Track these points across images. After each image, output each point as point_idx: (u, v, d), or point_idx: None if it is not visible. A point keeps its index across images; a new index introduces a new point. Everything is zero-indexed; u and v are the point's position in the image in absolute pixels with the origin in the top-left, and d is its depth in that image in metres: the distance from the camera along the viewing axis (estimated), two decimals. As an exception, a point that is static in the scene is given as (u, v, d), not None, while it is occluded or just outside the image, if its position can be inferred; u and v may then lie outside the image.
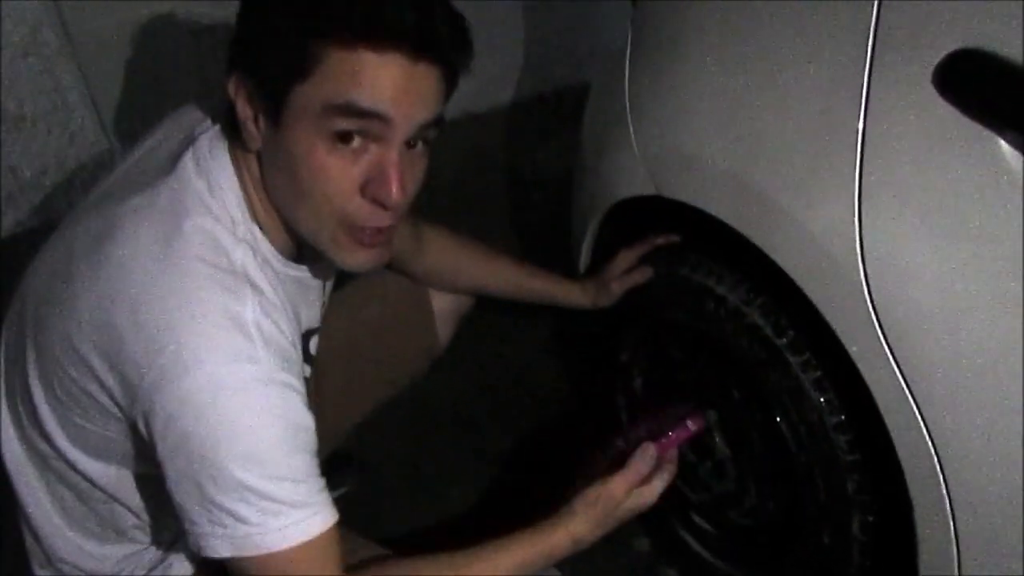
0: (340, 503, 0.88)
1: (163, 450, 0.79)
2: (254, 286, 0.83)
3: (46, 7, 1.76)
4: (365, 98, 0.78)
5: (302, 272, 0.95)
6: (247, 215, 0.87)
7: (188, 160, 0.86)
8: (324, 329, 1.13)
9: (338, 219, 0.85)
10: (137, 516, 0.99)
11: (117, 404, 0.82)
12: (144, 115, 1.90)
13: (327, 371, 1.29)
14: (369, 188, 0.83)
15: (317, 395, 1.27)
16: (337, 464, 1.56)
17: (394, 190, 0.82)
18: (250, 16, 0.81)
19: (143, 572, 1.03)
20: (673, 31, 1.11)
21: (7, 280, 1.05)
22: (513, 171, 2.43)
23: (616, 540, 1.52)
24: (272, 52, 0.79)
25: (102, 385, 0.82)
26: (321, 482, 0.85)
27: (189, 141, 0.89)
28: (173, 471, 0.80)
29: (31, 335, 0.88)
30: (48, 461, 0.94)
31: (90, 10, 1.82)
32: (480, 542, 0.94)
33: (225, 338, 0.78)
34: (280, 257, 0.90)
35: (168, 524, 1.02)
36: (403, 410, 1.55)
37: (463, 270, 1.34)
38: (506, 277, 1.34)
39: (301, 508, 0.82)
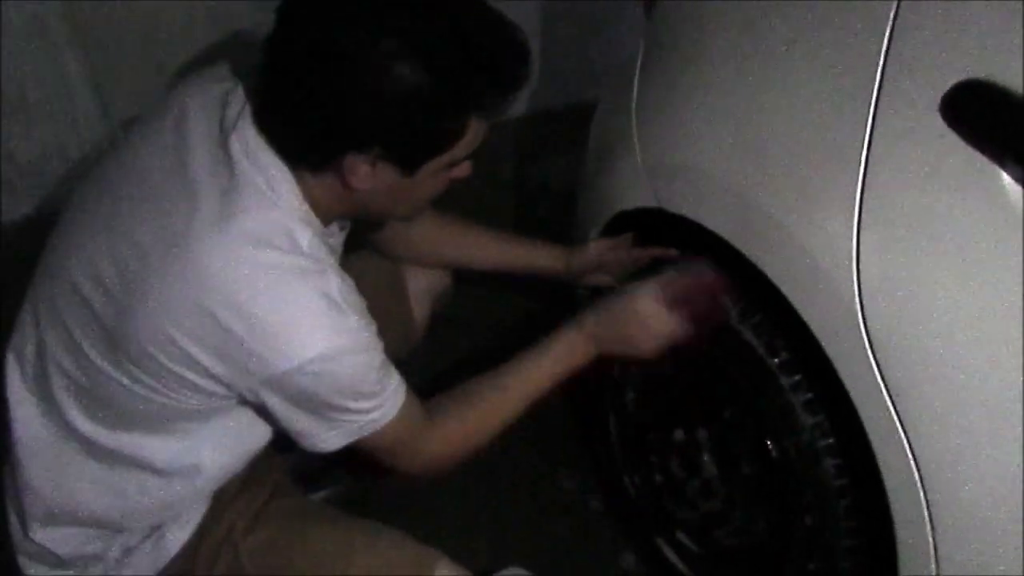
0: (332, 499, 0.92)
1: (281, 407, 0.94)
2: (326, 261, 0.93)
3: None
4: (472, 146, 0.95)
5: (335, 236, 1.06)
6: (300, 198, 0.93)
7: (239, 154, 0.91)
8: None
9: (427, 203, 1.04)
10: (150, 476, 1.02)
11: (221, 383, 0.92)
12: (149, 100, 1.89)
13: None
14: (453, 173, 0.98)
15: None
16: (325, 463, 1.55)
17: (470, 171, 1.00)
18: (399, 107, 0.85)
19: (136, 542, 1.05)
20: (684, 46, 1.11)
21: (6, 264, 1.05)
22: (521, 182, 2.43)
23: (602, 557, 1.52)
24: (426, 136, 0.90)
25: (204, 370, 0.91)
26: (394, 371, 1.00)
27: (228, 126, 0.92)
28: (292, 415, 0.95)
29: (115, 329, 0.92)
30: (80, 441, 0.98)
31: (96, -4, 1.81)
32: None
33: (326, 320, 0.90)
34: (323, 228, 0.98)
35: (172, 487, 1.04)
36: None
37: (444, 243, 1.35)
38: (484, 247, 1.37)
39: (388, 386, 0.98)
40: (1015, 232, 0.74)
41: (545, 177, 2.39)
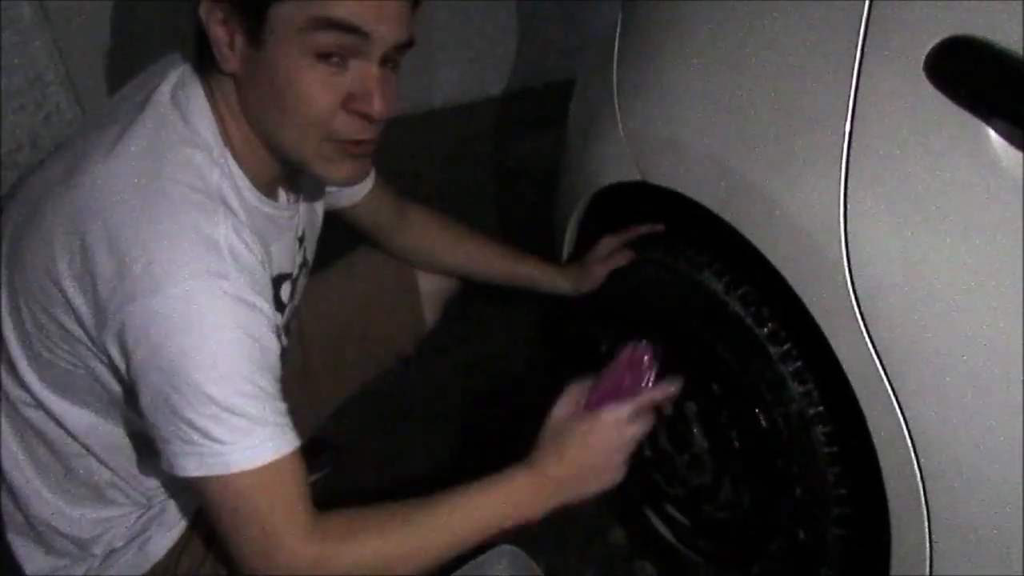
0: (317, 489, 0.88)
1: (135, 367, 0.80)
2: (228, 207, 0.84)
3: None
4: (343, 12, 0.80)
5: (273, 210, 0.95)
6: (220, 141, 0.87)
7: (163, 92, 0.87)
8: (312, 304, 1.13)
9: (323, 133, 0.86)
10: (114, 473, 0.98)
11: (85, 329, 0.82)
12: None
13: (313, 348, 1.30)
14: (352, 103, 0.85)
15: (304, 369, 1.27)
16: (314, 450, 1.55)
17: (377, 103, 0.85)
18: None
19: (120, 543, 1.02)
20: (662, 17, 1.10)
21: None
22: (500, 162, 2.42)
23: (591, 532, 1.52)
24: None
25: (73, 310, 0.82)
26: (284, 406, 0.85)
27: (162, 79, 0.89)
28: (145, 387, 0.81)
29: (4, 276, 0.88)
30: (24, 410, 0.93)
31: (67, -16, 1.79)
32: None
33: (197, 255, 0.79)
34: (252, 189, 0.91)
35: (146, 485, 1.01)
36: (381, 398, 1.54)
37: (444, 250, 1.33)
38: (487, 259, 1.34)
39: (268, 427, 0.82)
40: (1004, 190, 0.73)
41: (525, 156, 2.39)
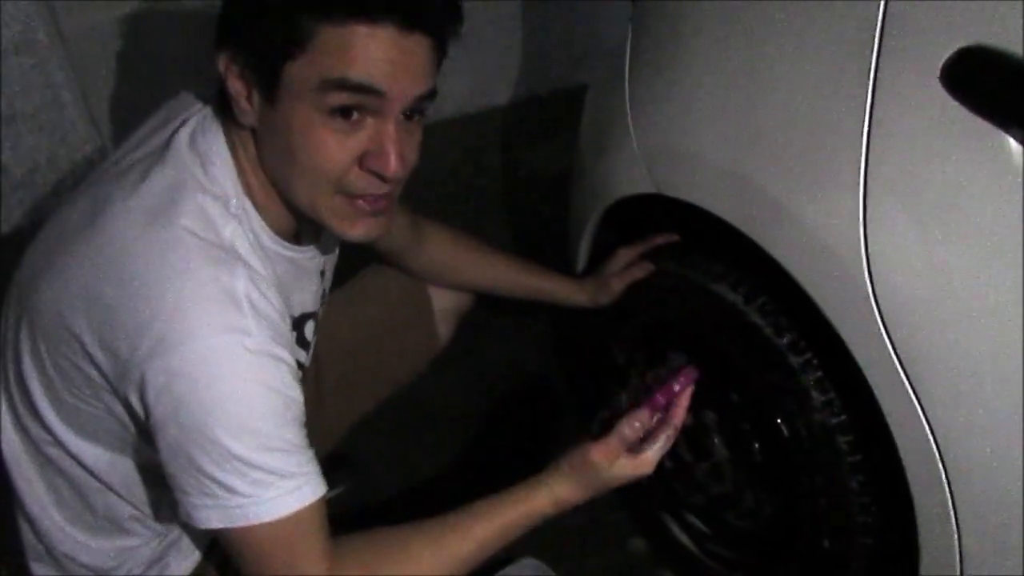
0: (335, 503, 0.88)
1: (155, 421, 0.79)
2: (244, 261, 0.83)
3: (37, 5, 1.74)
4: (359, 73, 0.78)
5: (296, 253, 0.95)
6: (240, 191, 0.87)
7: (182, 138, 0.87)
8: (324, 327, 1.13)
9: (336, 190, 0.85)
10: (134, 507, 0.98)
11: (107, 379, 0.82)
12: (137, 113, 1.86)
13: (327, 369, 1.29)
14: (367, 160, 0.84)
15: (317, 392, 1.27)
16: (332, 464, 1.55)
17: (393, 163, 0.83)
18: None
19: (139, 571, 1.03)
20: (673, 28, 1.10)
21: (0, 278, 1.04)
22: (509, 171, 2.42)
23: (611, 540, 1.52)
24: (263, 29, 0.79)
25: (92, 360, 0.81)
26: (310, 453, 0.85)
27: (182, 123, 0.89)
28: (165, 442, 0.80)
29: (25, 318, 0.87)
30: (44, 448, 0.93)
31: (82, 7, 1.81)
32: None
33: (217, 310, 0.78)
34: (274, 236, 0.90)
35: (165, 516, 1.01)
36: (398, 410, 1.54)
37: (460, 267, 1.33)
38: (504, 275, 1.34)
39: (291, 479, 0.82)
40: (1021, 196, 0.73)
41: (533, 163, 2.39)
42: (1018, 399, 0.78)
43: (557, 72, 2.54)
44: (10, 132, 1.83)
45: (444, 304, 1.38)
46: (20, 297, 0.90)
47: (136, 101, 1.91)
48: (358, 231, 0.89)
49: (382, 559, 0.89)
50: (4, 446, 0.96)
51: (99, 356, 0.81)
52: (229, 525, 0.81)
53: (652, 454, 0.96)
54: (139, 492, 0.98)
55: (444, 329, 1.40)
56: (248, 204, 0.88)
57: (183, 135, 0.87)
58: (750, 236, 0.98)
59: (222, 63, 0.83)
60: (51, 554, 1.01)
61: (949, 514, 0.86)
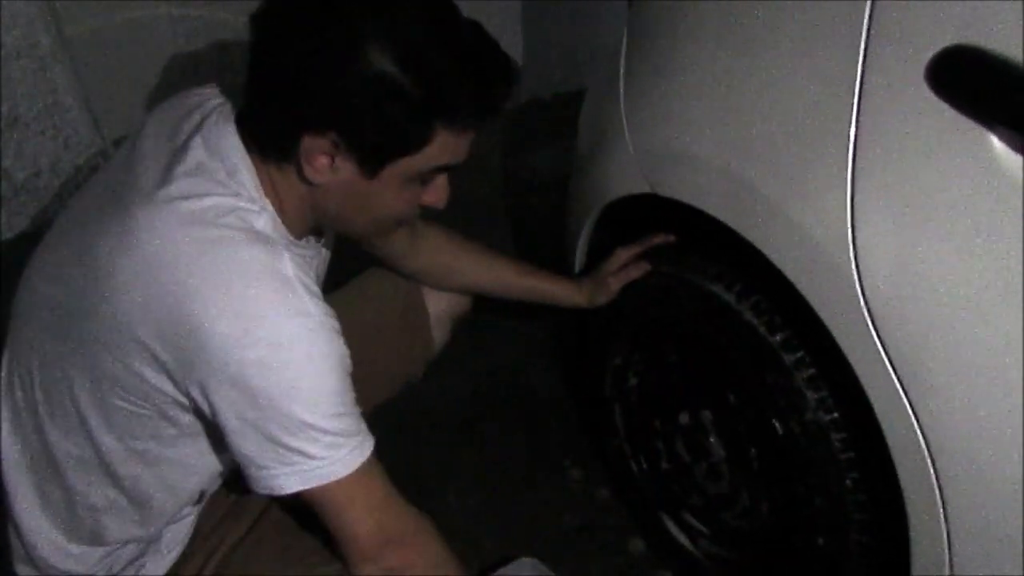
0: None
1: (226, 409, 0.85)
2: (283, 243, 0.89)
3: (39, 9, 1.75)
4: (459, 159, 0.91)
5: (304, 250, 0.98)
6: (261, 194, 0.90)
7: (197, 144, 0.89)
8: None
9: (394, 223, 0.98)
10: (128, 510, 1.00)
11: (170, 376, 0.86)
12: (139, 117, 1.89)
13: None
14: (424, 198, 0.95)
15: None
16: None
17: (444, 201, 0.96)
18: (360, 90, 0.82)
19: (118, 569, 1.04)
20: (668, 30, 1.11)
21: (2, 283, 1.05)
22: (511, 174, 2.43)
23: (611, 543, 1.53)
24: (387, 129, 0.84)
25: (156, 361, 0.85)
26: (359, 408, 0.92)
27: (195, 127, 0.91)
28: (238, 425, 0.86)
29: (63, 330, 0.90)
30: (58, 467, 0.95)
31: (84, 11, 1.82)
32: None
33: (276, 296, 0.84)
34: (289, 236, 0.93)
35: (154, 517, 1.03)
36: (397, 411, 1.55)
37: (458, 269, 1.34)
38: (501, 276, 1.35)
39: (355, 436, 0.90)
40: (1007, 195, 0.74)
41: (534, 167, 2.40)
42: (1007, 395, 0.78)
43: (559, 76, 2.55)
44: (12, 136, 1.85)
45: (439, 309, 1.39)
46: (39, 304, 0.92)
47: (139, 105, 1.92)
48: (392, 241, 1.08)
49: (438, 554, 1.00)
50: (3, 453, 0.97)
51: (164, 357, 0.85)
52: (307, 486, 0.88)
53: None
54: (140, 490, 0.99)
55: (439, 334, 1.41)
56: (269, 204, 0.90)
57: (198, 142, 0.89)
58: (743, 235, 0.98)
59: (310, 141, 0.85)
60: (31, 558, 1.02)
61: (938, 511, 0.87)
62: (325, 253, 1.10)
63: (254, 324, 0.82)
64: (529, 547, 1.43)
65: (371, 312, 1.34)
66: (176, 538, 1.08)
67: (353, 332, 1.31)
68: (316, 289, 0.89)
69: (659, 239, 1.27)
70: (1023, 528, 0.81)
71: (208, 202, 0.85)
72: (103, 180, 0.96)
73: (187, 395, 0.87)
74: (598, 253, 1.34)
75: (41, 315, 0.93)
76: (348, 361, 0.90)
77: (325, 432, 0.87)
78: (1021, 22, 0.70)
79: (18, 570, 1.05)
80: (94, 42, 1.86)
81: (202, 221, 0.84)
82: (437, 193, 0.95)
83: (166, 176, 0.87)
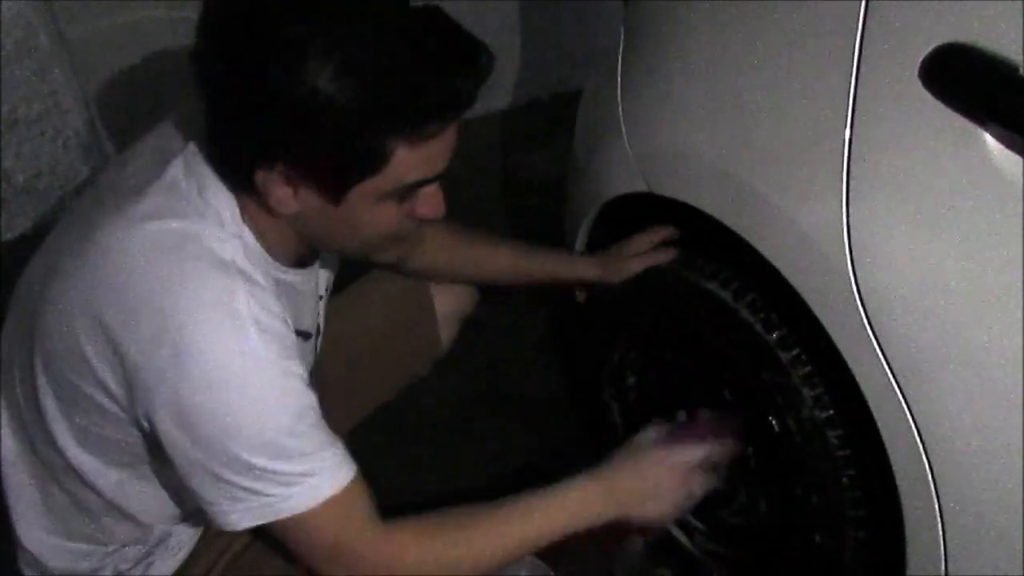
0: None
1: (171, 444, 0.81)
2: (244, 275, 0.83)
3: (39, 10, 1.75)
4: (434, 171, 0.83)
5: (294, 277, 0.95)
6: (238, 216, 0.86)
7: (177, 163, 0.85)
8: (327, 331, 1.13)
9: (387, 241, 0.91)
10: (130, 518, 0.99)
11: (118, 404, 0.83)
12: (138, 119, 1.89)
13: (329, 372, 1.29)
14: (414, 212, 0.87)
15: (319, 395, 1.28)
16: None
17: (438, 212, 0.89)
18: (297, 113, 0.75)
19: (125, 567, 1.04)
20: (664, 29, 1.12)
21: (2, 285, 1.05)
22: (509, 174, 2.43)
23: (610, 540, 1.53)
24: (335, 156, 0.78)
25: (102, 386, 0.82)
26: (334, 447, 0.86)
27: (183, 143, 0.87)
28: (184, 461, 0.82)
29: (36, 339, 0.87)
30: (46, 459, 0.94)
31: (84, 13, 1.82)
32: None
33: (221, 332, 0.79)
34: (271, 261, 0.89)
35: (159, 521, 1.02)
36: (398, 410, 1.55)
37: (464, 263, 1.31)
38: (507, 262, 1.31)
39: (316, 475, 0.84)
40: (1001, 193, 0.74)
41: (533, 167, 2.40)
42: (1001, 392, 0.79)
43: (556, 76, 2.55)
44: (12, 138, 1.85)
45: (447, 308, 1.38)
46: (23, 318, 0.90)
47: (138, 107, 1.93)
48: (390, 258, 0.98)
49: (435, 535, 0.92)
50: (3, 452, 0.97)
51: (108, 380, 0.82)
52: (262, 522, 0.83)
53: (690, 457, 1.02)
54: (139, 503, 0.98)
55: (446, 333, 1.40)
56: (245, 229, 0.86)
57: (178, 161, 0.85)
58: (738, 233, 0.99)
59: (263, 176, 0.79)
60: (38, 561, 1.01)
61: (934, 506, 0.87)
62: (328, 274, 1.09)
63: (191, 361, 0.77)
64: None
65: (379, 313, 1.33)
66: (184, 539, 1.07)
67: (361, 332, 1.32)
68: (278, 327, 0.83)
69: (669, 232, 1.24)
70: (1021, 525, 0.82)
71: (173, 225, 0.81)
72: (98, 182, 0.94)
73: (137, 424, 0.84)
74: (596, 252, 1.34)
75: (22, 319, 0.91)
76: (308, 401, 0.84)
77: (275, 473, 0.81)
78: (1014, 20, 0.71)
79: (24, 571, 1.05)
80: (94, 44, 1.86)
81: (162, 246, 0.80)
82: (430, 205, 0.87)
83: (141, 190, 0.83)
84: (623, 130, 1.17)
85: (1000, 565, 0.85)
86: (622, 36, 1.22)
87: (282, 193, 0.81)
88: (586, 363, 1.45)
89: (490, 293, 1.44)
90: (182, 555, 1.07)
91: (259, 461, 0.80)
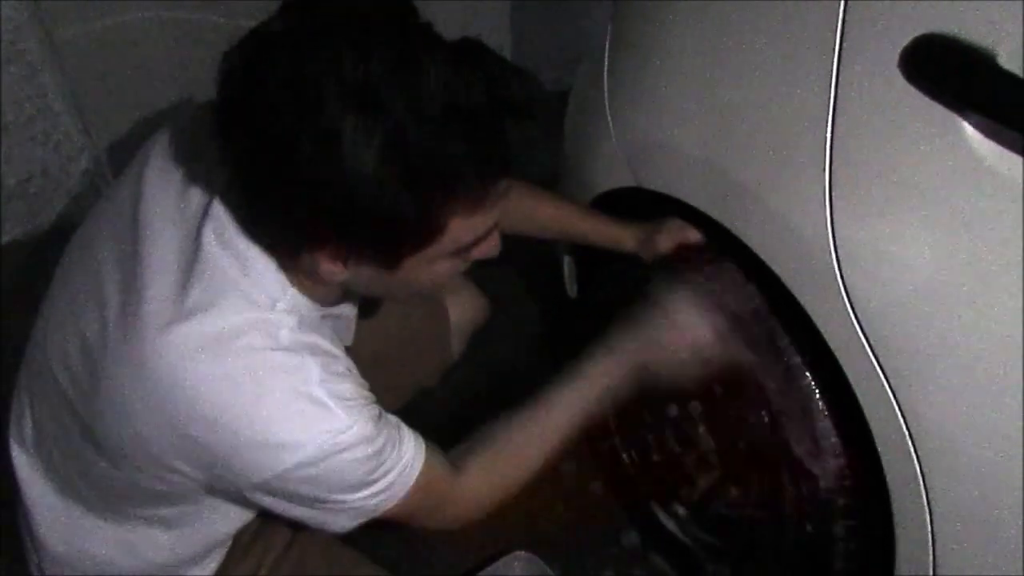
0: None
1: (274, 504, 0.86)
2: (308, 347, 0.83)
3: (26, 13, 1.75)
4: (480, 230, 0.81)
5: (340, 309, 0.96)
6: (285, 284, 0.83)
7: (208, 236, 0.81)
8: None
9: (441, 287, 0.93)
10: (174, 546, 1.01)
11: (189, 479, 0.86)
12: (130, 121, 1.90)
13: None
14: (473, 255, 0.86)
15: None
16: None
17: (497, 250, 0.87)
18: (348, 203, 0.71)
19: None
20: (650, 24, 1.12)
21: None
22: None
23: (605, 535, 1.53)
24: (386, 235, 0.75)
25: (173, 470, 0.85)
26: (399, 432, 0.89)
27: (204, 207, 0.83)
28: (287, 510, 0.87)
29: (89, 428, 0.87)
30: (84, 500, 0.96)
31: (73, 17, 1.81)
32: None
33: (307, 420, 0.80)
34: (319, 307, 0.88)
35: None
36: (399, 411, 1.55)
37: (513, 213, 1.25)
38: (551, 215, 1.24)
39: (401, 475, 0.88)
40: (980, 181, 0.75)
41: (527, 165, 2.40)
42: (987, 379, 0.79)
43: (549, 75, 2.55)
44: (2, 142, 1.84)
45: (460, 319, 1.38)
46: (60, 383, 0.89)
47: (129, 109, 1.92)
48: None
49: (495, 461, 0.98)
50: (29, 496, 0.98)
51: (182, 469, 0.84)
52: (372, 516, 0.89)
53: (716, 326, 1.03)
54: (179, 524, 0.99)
55: (457, 344, 1.40)
56: (293, 292, 0.84)
57: (210, 234, 0.81)
58: (725, 225, 0.99)
59: (311, 256, 0.78)
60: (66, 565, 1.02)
61: (921, 494, 0.88)
62: (359, 300, 1.06)
63: (287, 453, 0.79)
64: (524, 538, 1.44)
65: (394, 322, 1.31)
66: (213, 551, 1.07)
67: (376, 341, 1.29)
68: (343, 382, 0.84)
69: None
70: (1008, 516, 0.82)
71: (226, 321, 0.79)
72: (109, 229, 0.89)
73: (212, 489, 0.88)
74: (586, 248, 1.35)
75: (51, 395, 0.91)
76: (381, 435, 0.85)
77: (371, 485, 0.86)
78: (992, 10, 0.72)
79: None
80: (83, 46, 1.86)
81: (220, 347, 0.78)
82: (486, 247, 0.85)
83: (181, 284, 0.80)
84: (611, 125, 1.18)
85: (986, 551, 0.86)
86: (610, 30, 1.22)
87: (333, 267, 0.79)
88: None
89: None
90: (211, 569, 1.07)
91: (353, 496, 0.85)
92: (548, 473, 1.00)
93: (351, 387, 0.84)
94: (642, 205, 1.18)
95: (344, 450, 0.81)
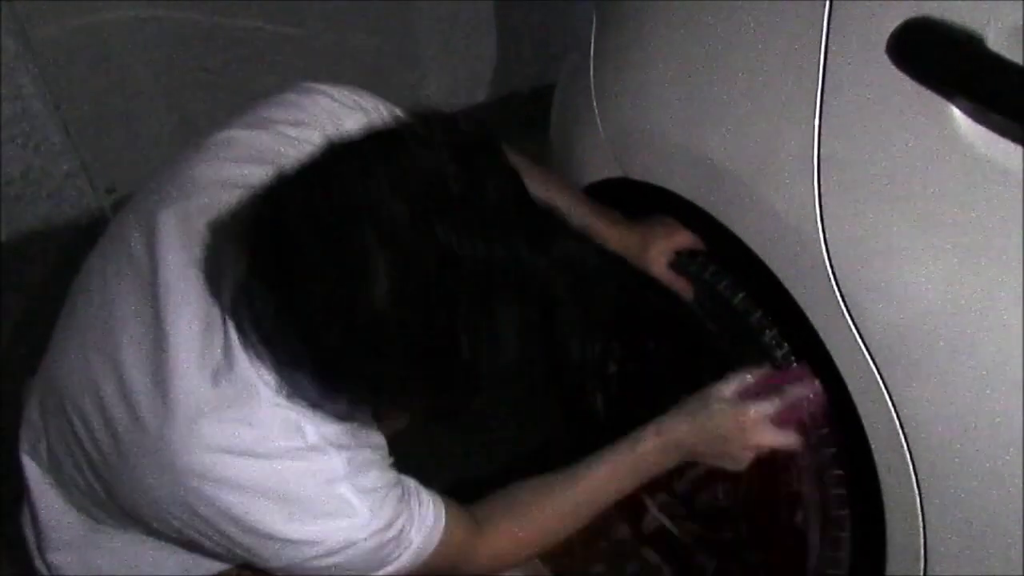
0: None
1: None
2: (335, 443, 0.84)
3: (3, 12, 1.73)
4: None
5: None
6: None
7: (239, 345, 0.81)
8: None
9: None
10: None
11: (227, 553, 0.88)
12: (110, 121, 1.88)
13: None
14: None
15: None
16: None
17: None
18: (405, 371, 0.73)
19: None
20: (635, 12, 1.12)
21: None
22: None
23: (596, 530, 1.53)
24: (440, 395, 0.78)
25: (208, 545, 0.87)
26: (418, 508, 0.91)
27: (231, 306, 0.82)
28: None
29: (123, 508, 0.89)
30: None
31: (50, 16, 1.79)
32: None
33: (330, 519, 0.84)
34: None
35: None
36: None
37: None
38: (544, 195, 1.21)
39: (418, 543, 0.90)
40: (968, 166, 0.75)
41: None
42: (978, 368, 0.79)
43: (535, 70, 2.55)
44: (-20, 145, 1.83)
45: None
46: (71, 421, 0.88)
47: (109, 109, 1.91)
48: None
49: (524, 525, 1.01)
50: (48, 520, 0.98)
51: (220, 549, 0.87)
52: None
53: (757, 412, 1.00)
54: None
55: None
56: None
57: (238, 342, 0.81)
58: (712, 215, 0.99)
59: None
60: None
61: (912, 483, 0.87)
62: None
63: (310, 548, 0.84)
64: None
65: None
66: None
67: None
68: (376, 466, 0.87)
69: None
70: (999, 513, 0.82)
71: (254, 418, 0.81)
72: (127, 285, 0.86)
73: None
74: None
75: (67, 435, 0.90)
76: (400, 523, 0.88)
77: (391, 560, 0.89)
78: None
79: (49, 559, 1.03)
80: (61, 47, 1.84)
81: (248, 447, 0.81)
82: None
83: (212, 377, 0.81)
84: (597, 115, 1.17)
85: (977, 541, 0.86)
86: (595, 19, 1.22)
87: (394, 414, 0.91)
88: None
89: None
90: None
91: (376, 572, 0.89)
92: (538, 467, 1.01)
93: (376, 475, 0.87)
94: (631, 196, 1.17)
95: (366, 539, 0.85)
